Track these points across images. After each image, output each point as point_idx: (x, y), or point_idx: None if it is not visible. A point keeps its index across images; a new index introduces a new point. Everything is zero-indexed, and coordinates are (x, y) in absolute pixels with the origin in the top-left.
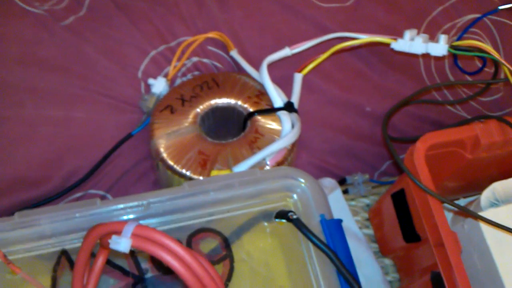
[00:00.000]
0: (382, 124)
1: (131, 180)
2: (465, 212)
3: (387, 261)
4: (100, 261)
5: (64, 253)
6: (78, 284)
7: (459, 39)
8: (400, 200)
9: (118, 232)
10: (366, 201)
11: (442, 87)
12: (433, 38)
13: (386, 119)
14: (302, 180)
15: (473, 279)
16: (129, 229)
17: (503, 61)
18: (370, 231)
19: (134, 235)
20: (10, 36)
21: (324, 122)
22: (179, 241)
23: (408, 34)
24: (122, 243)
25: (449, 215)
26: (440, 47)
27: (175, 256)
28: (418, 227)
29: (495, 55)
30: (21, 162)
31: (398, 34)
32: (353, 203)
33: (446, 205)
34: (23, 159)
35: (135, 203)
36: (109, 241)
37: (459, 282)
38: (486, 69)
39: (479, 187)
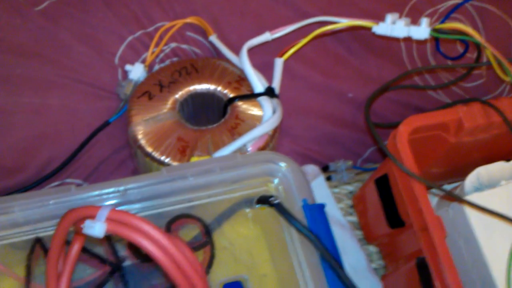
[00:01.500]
0: (364, 109)
1: (109, 169)
2: (450, 196)
3: (372, 248)
4: (75, 248)
5: (38, 241)
6: (53, 272)
7: (441, 24)
8: (383, 185)
9: (92, 217)
10: (350, 188)
11: (424, 72)
12: (415, 23)
13: (368, 104)
14: (283, 165)
15: (458, 264)
16: (103, 213)
17: (486, 44)
18: (354, 218)
19: (109, 220)
20: None
21: (306, 109)
22: (157, 226)
23: (389, 17)
24: (96, 228)
25: (433, 201)
26: (422, 30)
27: (152, 241)
28: (402, 212)
29: (478, 37)
30: None
31: (379, 19)
32: (336, 190)
33: (430, 191)
34: None
35: (112, 189)
36: (82, 226)
37: (445, 266)
38: (468, 54)
39: (463, 173)
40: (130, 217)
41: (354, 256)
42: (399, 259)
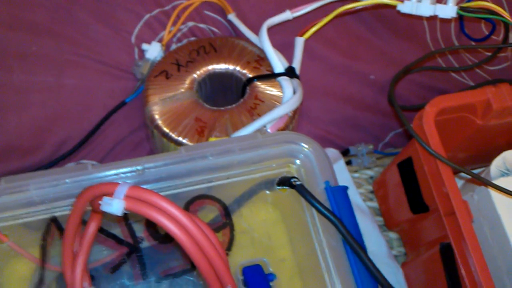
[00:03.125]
0: (389, 90)
1: (125, 150)
2: (476, 180)
3: (392, 235)
4: (92, 226)
5: (53, 221)
6: (68, 252)
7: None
8: (407, 169)
9: (111, 194)
10: (370, 173)
11: (447, 53)
12: (440, 1)
13: (392, 85)
14: (306, 146)
15: (484, 250)
16: (122, 190)
17: None
18: (374, 204)
19: (128, 197)
20: None
21: (326, 91)
22: (177, 205)
23: None
24: (114, 205)
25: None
26: (448, 9)
27: (172, 219)
28: (426, 196)
29: (507, 16)
30: (11, 130)
31: None
32: (356, 175)
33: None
34: (12, 126)
35: (129, 168)
36: (100, 202)
37: (471, 251)
38: (493, 36)
39: (488, 158)
40: (149, 195)
41: (375, 242)
42: (421, 246)
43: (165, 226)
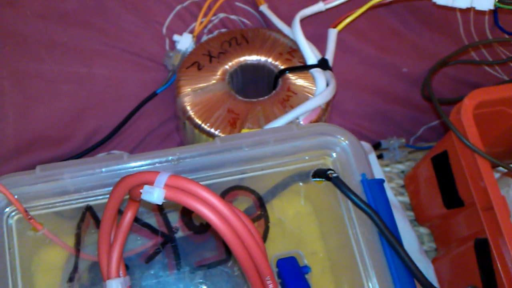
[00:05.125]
0: (423, 82)
1: (155, 141)
2: None
3: (423, 230)
4: (129, 215)
5: (88, 209)
6: (105, 240)
7: None
8: (442, 163)
9: (151, 183)
10: (401, 167)
11: (481, 47)
12: None
13: (429, 77)
14: (342, 138)
15: None
16: (162, 179)
17: None
18: (405, 199)
19: (168, 186)
20: None
21: (358, 84)
22: (216, 194)
23: None
24: (155, 193)
25: None
26: (486, 1)
27: (212, 208)
28: (462, 191)
29: None
30: (42, 120)
31: None
32: (387, 169)
33: None
34: (44, 116)
35: (164, 158)
36: (141, 191)
37: (509, 246)
38: None
39: None
40: (189, 184)
41: (406, 238)
42: (452, 241)
43: (205, 215)
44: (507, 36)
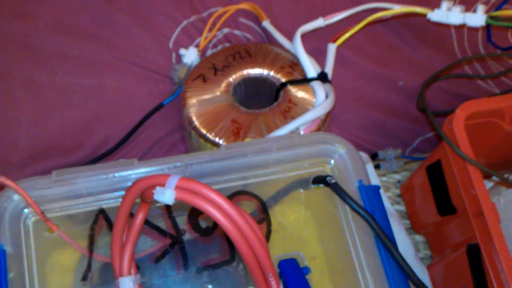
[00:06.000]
0: (418, 95)
1: (162, 150)
2: (506, 183)
3: (419, 238)
4: (140, 217)
5: (101, 212)
6: (118, 241)
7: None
8: (435, 172)
9: (162, 184)
10: (397, 177)
11: (474, 61)
12: (467, 11)
13: (422, 90)
14: (340, 146)
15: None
16: (173, 181)
17: None
18: (401, 207)
19: (178, 188)
20: (43, 2)
21: (356, 96)
22: (223, 196)
23: (445, 4)
24: (166, 194)
25: None
26: (478, 17)
27: (219, 209)
28: (454, 198)
29: None
30: (55, 129)
31: (431, 7)
32: (384, 179)
33: None
34: (56, 125)
35: (173, 165)
36: (154, 191)
37: (499, 251)
38: None
39: None
40: (198, 185)
41: (402, 245)
42: (446, 247)
43: (213, 215)
44: (499, 51)
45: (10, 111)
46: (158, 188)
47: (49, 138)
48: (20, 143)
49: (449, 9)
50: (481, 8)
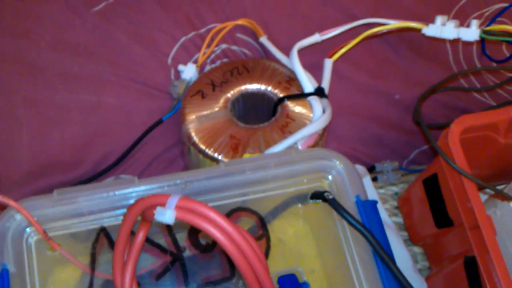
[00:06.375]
0: (414, 109)
1: (162, 165)
2: (500, 196)
3: (417, 249)
4: (141, 235)
5: (103, 230)
6: (119, 259)
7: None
8: (432, 185)
9: (163, 204)
10: (395, 189)
11: (470, 75)
12: (461, 25)
13: (418, 104)
14: (337, 162)
15: (506, 263)
16: (173, 201)
17: None
18: (399, 219)
19: (178, 207)
20: (43, 20)
21: (353, 110)
22: (223, 215)
23: (439, 19)
24: (167, 214)
25: None
26: (471, 32)
27: (218, 228)
28: (451, 211)
29: None
30: (54, 146)
31: (425, 21)
32: (382, 191)
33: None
34: (56, 142)
35: (173, 182)
36: (154, 212)
37: (495, 263)
38: None
39: (509, 176)
40: (198, 205)
41: (400, 256)
42: (444, 259)
43: (212, 234)
44: (494, 64)
45: (11, 128)
46: (158, 208)
47: (50, 155)
48: (21, 159)
49: (443, 24)
50: (474, 23)
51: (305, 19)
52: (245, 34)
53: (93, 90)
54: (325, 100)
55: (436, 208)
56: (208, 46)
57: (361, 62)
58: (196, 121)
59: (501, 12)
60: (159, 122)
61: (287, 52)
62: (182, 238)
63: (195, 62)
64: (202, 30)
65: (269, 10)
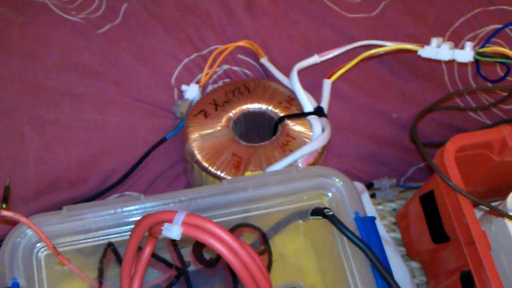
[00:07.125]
0: (411, 127)
1: (165, 182)
2: (495, 212)
3: (414, 264)
4: (148, 250)
5: (110, 246)
6: (127, 273)
7: (482, 47)
8: (429, 202)
9: (169, 221)
10: (393, 205)
11: (465, 94)
12: (456, 47)
13: (414, 123)
14: (337, 179)
15: (501, 278)
16: (180, 218)
17: None
18: (397, 235)
19: (184, 223)
20: (50, 43)
21: (352, 128)
22: (228, 230)
23: (434, 41)
24: (174, 230)
25: None
26: (466, 54)
27: (223, 243)
28: (447, 227)
29: None
30: (61, 163)
31: (422, 43)
32: (380, 207)
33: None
34: (62, 160)
35: (178, 199)
36: (162, 228)
37: (490, 278)
38: (508, 77)
39: (504, 192)
40: (203, 221)
41: (398, 271)
42: (441, 274)
43: (217, 249)
44: (489, 84)
45: (18, 147)
46: (166, 225)
47: (56, 173)
48: (28, 177)
49: (439, 46)
50: (469, 45)
51: (304, 41)
52: (246, 55)
53: (98, 110)
54: (324, 119)
55: (433, 224)
56: (211, 66)
57: (359, 82)
58: (199, 140)
59: (494, 34)
60: (163, 141)
61: (287, 72)
62: (186, 253)
63: (198, 82)
64: (205, 52)
65: (269, 32)
